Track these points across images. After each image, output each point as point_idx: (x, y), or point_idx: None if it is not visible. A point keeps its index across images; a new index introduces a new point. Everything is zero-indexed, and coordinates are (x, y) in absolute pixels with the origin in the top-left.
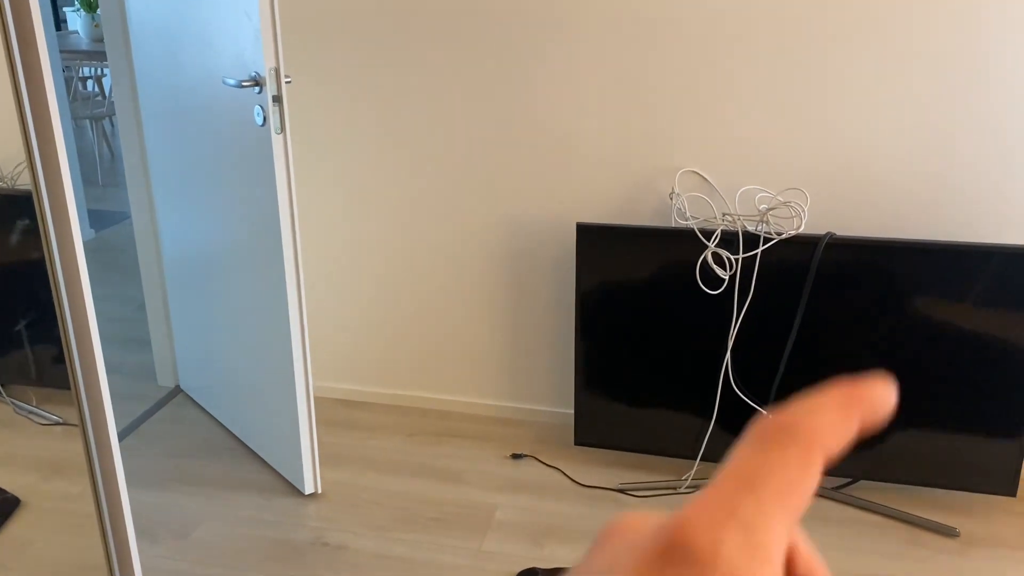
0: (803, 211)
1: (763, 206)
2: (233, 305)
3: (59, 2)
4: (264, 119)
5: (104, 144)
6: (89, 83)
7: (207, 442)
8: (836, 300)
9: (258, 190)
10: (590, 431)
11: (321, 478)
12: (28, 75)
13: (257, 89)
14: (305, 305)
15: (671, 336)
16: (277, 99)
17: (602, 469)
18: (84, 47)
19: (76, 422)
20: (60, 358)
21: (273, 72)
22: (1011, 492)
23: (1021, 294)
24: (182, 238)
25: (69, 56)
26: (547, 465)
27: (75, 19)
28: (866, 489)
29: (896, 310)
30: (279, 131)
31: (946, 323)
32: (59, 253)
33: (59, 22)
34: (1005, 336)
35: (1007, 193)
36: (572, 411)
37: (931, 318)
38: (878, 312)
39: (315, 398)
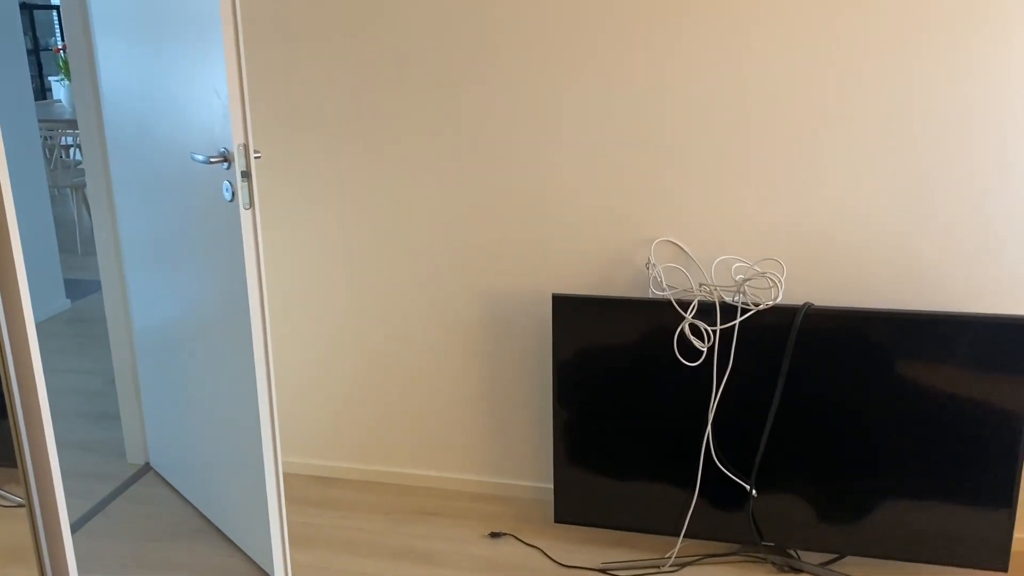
0: (780, 281)
1: (739, 276)
2: (202, 380)
3: (44, 71)
4: (233, 194)
5: (85, 212)
6: (72, 151)
7: (175, 523)
8: (816, 371)
9: (227, 264)
10: (570, 508)
11: (292, 561)
12: None
13: (226, 165)
14: (274, 380)
15: (650, 409)
16: (246, 175)
17: (583, 547)
18: (67, 115)
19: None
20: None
21: (242, 148)
22: (1002, 567)
23: (1001, 363)
24: (153, 311)
25: (52, 124)
26: (526, 544)
27: (59, 88)
28: (853, 565)
29: (877, 380)
30: (248, 206)
31: (929, 393)
32: (8, 335)
33: (44, 91)
34: (990, 405)
35: (984, 262)
36: (552, 486)
37: (913, 388)
38: (859, 382)
39: (289, 475)
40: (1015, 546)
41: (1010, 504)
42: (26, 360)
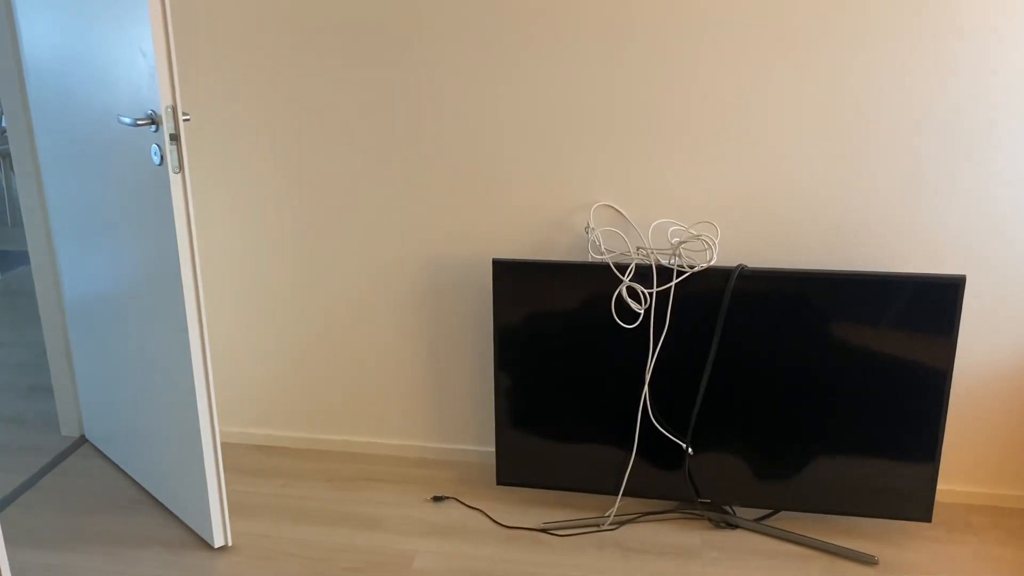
0: (714, 244)
1: (675, 239)
2: (137, 350)
3: None
4: (162, 158)
5: (14, 180)
6: None
7: (112, 495)
8: (750, 331)
9: (158, 231)
10: (512, 470)
11: (233, 530)
12: None
13: (154, 127)
14: (209, 348)
15: (590, 371)
16: (175, 137)
17: (525, 508)
18: None
19: None
20: None
21: (170, 110)
22: (926, 518)
23: (930, 321)
24: (84, 281)
25: None
26: (469, 507)
27: None
28: (786, 520)
29: (809, 340)
30: (177, 170)
31: (857, 351)
32: None
33: None
34: (915, 363)
35: (913, 223)
36: (494, 449)
37: (843, 347)
38: (791, 342)
39: (228, 445)
40: (939, 497)
41: (934, 458)
42: None
